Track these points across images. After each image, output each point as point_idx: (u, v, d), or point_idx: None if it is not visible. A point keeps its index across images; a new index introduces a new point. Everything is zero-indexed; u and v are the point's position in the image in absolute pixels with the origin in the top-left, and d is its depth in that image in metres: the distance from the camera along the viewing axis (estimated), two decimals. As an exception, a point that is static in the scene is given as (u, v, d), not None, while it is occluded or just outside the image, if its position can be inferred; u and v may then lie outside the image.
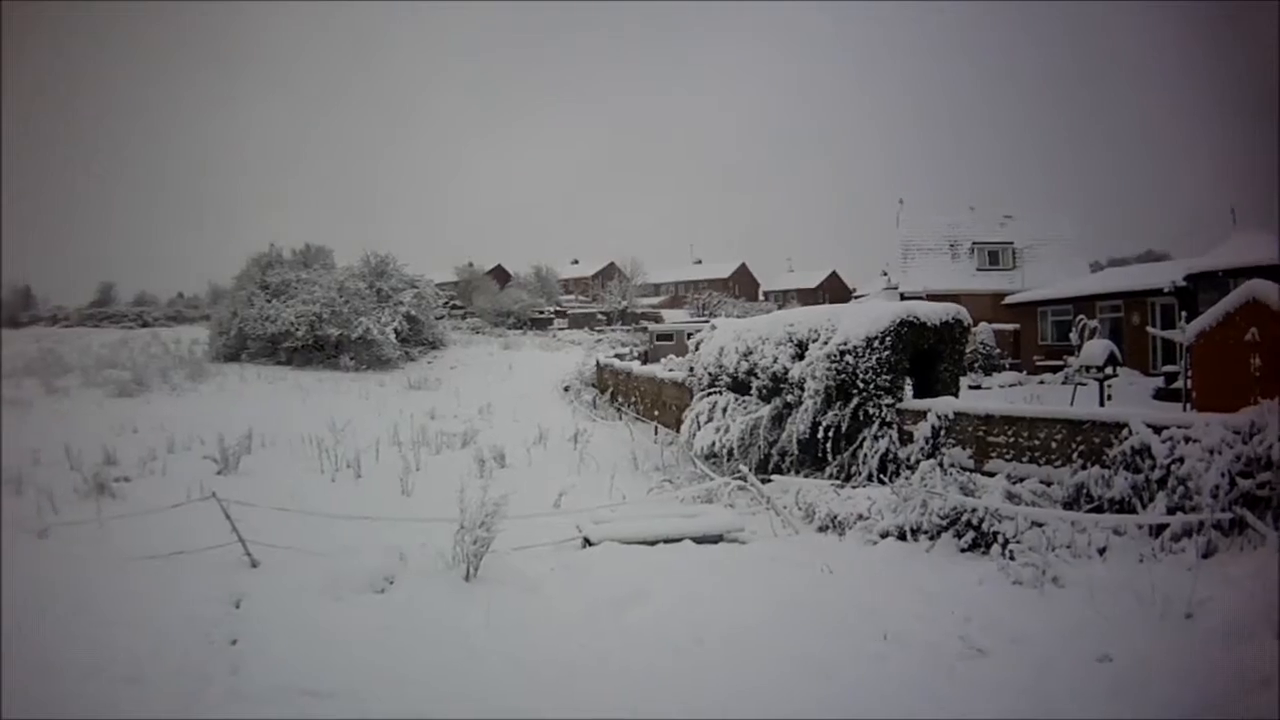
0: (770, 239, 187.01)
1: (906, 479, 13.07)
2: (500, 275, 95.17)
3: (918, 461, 14.17)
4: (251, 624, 8.65)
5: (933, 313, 16.90)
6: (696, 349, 22.03)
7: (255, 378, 37.89)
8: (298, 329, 42.38)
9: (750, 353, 19.04)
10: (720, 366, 20.02)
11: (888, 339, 16.21)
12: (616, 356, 41.00)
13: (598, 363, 39.13)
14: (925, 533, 11.06)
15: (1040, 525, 10.58)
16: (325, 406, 28.95)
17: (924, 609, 8.54)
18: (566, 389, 37.20)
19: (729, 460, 17.93)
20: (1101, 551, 10.03)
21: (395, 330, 44.21)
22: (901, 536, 11.23)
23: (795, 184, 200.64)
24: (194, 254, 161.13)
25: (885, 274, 73.82)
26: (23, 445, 19.99)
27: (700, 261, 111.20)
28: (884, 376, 16.15)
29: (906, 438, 15.70)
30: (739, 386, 19.48)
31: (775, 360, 18.19)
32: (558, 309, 79.55)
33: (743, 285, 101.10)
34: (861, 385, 16.27)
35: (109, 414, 26.62)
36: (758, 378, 18.74)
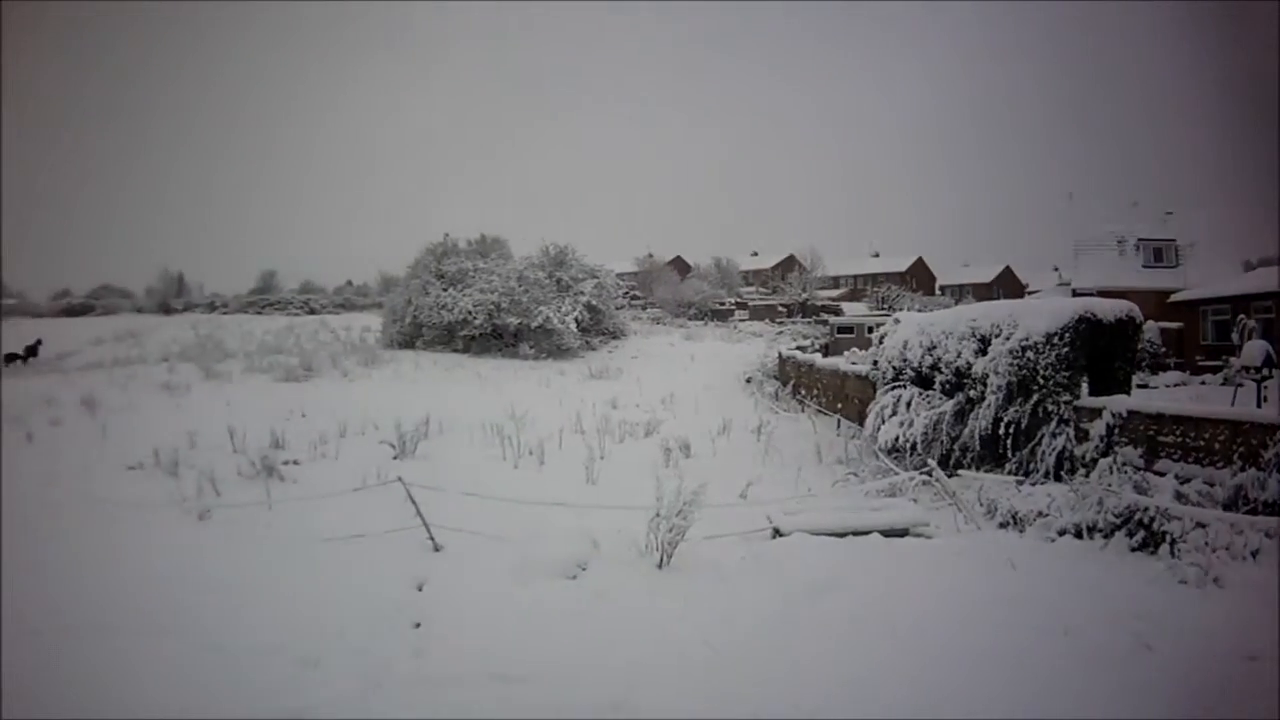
0: (944, 233, 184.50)
1: (1082, 477, 13.40)
2: (680, 266, 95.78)
3: (1092, 460, 14.43)
4: (436, 608, 8.88)
5: (1108, 310, 16.79)
6: (880, 342, 21.93)
7: (430, 365, 38.63)
8: (475, 317, 43.38)
9: (934, 347, 19.04)
10: (904, 360, 19.99)
11: (1066, 335, 16.22)
12: (798, 349, 40.52)
13: (780, 355, 39.07)
14: (1099, 531, 11.14)
15: (1203, 526, 10.65)
16: (504, 394, 29.48)
17: (1099, 605, 8.62)
18: (748, 381, 37.10)
19: (911, 454, 18.00)
20: (1254, 554, 10.08)
21: (576, 320, 44.77)
22: (1078, 534, 11.26)
23: (967, 180, 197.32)
24: (363, 243, 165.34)
25: (1056, 270, 72.89)
26: (179, 428, 20.92)
27: (878, 255, 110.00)
28: (1063, 373, 16.14)
29: (1081, 435, 15.61)
30: (922, 381, 19.47)
31: (959, 355, 18.20)
32: (738, 300, 79.81)
33: (920, 279, 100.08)
34: (1042, 382, 16.27)
35: (275, 399, 27.63)
36: (941, 372, 18.73)
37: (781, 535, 11.85)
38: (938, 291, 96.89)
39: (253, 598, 9.32)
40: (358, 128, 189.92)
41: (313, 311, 74.94)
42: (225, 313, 75.82)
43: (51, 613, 8.94)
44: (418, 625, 8.37)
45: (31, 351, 46.17)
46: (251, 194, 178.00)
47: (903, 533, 12.15)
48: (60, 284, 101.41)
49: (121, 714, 6.65)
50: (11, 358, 44.48)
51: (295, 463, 17.83)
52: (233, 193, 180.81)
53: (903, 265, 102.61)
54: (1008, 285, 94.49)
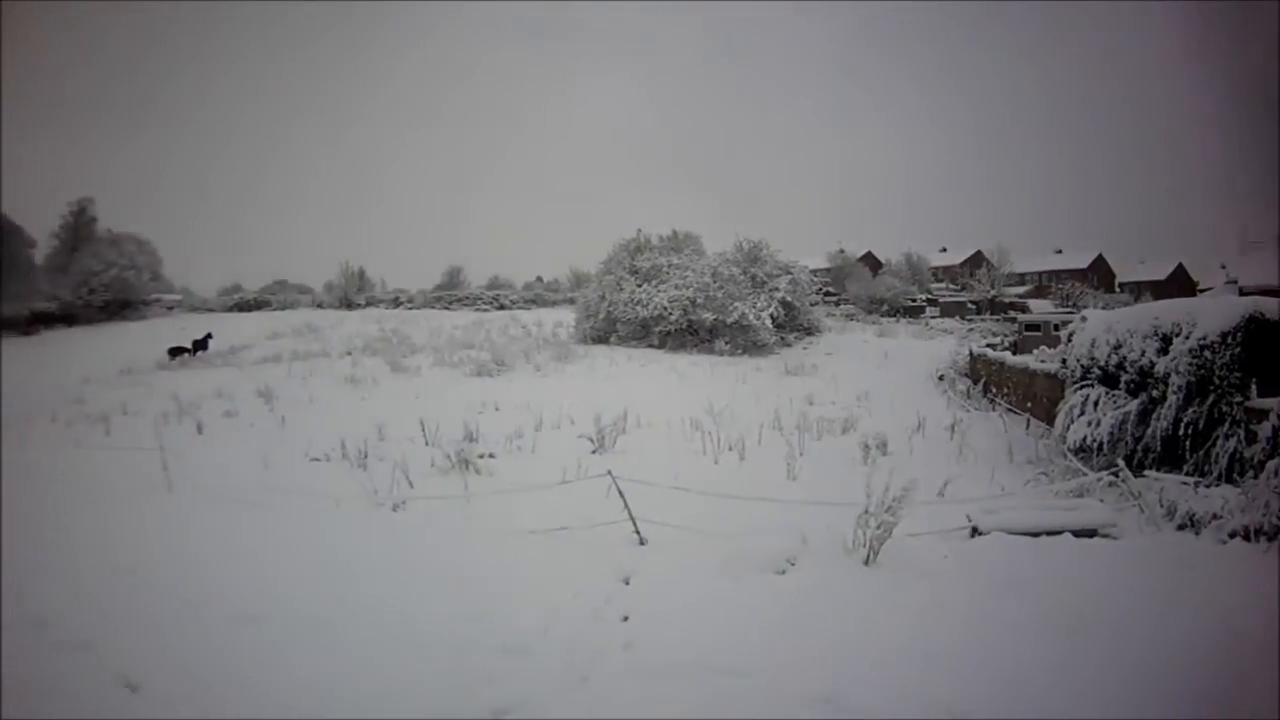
0: (1117, 230, 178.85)
1: (1251, 478, 13.34)
2: (871, 262, 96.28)
3: (1261, 461, 14.05)
4: (644, 601, 8.92)
5: (1274, 308, 16.43)
6: (1068, 341, 21.80)
7: (625, 360, 39.04)
8: (671, 313, 43.89)
9: (1119, 345, 18.81)
10: (1091, 359, 19.78)
11: (1239, 334, 16.04)
12: (989, 346, 40.55)
13: (970, 352, 38.85)
14: (1265, 533, 11.06)
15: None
16: (701, 389, 29.47)
17: (1266, 607, 8.38)
18: (941, 378, 36.94)
19: (1097, 455, 17.88)
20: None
21: (771, 316, 44.84)
22: (1246, 536, 11.17)
23: (1144, 175, 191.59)
24: (552, 239, 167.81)
25: (1224, 267, 71.60)
26: (365, 421, 21.75)
27: (1060, 251, 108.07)
28: (1236, 373, 15.93)
29: (1250, 437, 15.36)
30: (1108, 380, 19.27)
31: (1142, 354, 17.98)
32: (929, 297, 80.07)
33: (1100, 276, 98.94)
34: (1218, 382, 16.11)
35: (467, 393, 28.09)
36: (1126, 371, 18.52)
37: (980, 534, 11.98)
38: (1117, 289, 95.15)
39: (454, 589, 9.54)
40: (543, 123, 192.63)
41: (502, 307, 76.31)
42: (411, 308, 77.89)
43: (237, 603, 9.19)
44: (626, 618, 8.44)
45: (201, 345, 47.93)
46: (436, 190, 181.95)
47: (1091, 533, 12.07)
48: (230, 279, 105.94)
49: (321, 707, 6.90)
50: (177, 351, 46.43)
51: (491, 456, 18.13)
52: (417, 190, 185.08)
53: (1084, 262, 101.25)
54: (1181, 282, 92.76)
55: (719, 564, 9.64)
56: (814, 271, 62.08)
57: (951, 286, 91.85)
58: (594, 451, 18.30)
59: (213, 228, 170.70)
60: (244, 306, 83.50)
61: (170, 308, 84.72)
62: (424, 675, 7.29)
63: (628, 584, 9.57)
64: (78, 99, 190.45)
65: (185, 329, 58.08)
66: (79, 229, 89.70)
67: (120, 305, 78.39)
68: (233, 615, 8.86)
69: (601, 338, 46.14)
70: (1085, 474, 16.05)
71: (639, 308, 44.91)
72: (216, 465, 18.59)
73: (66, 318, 77.06)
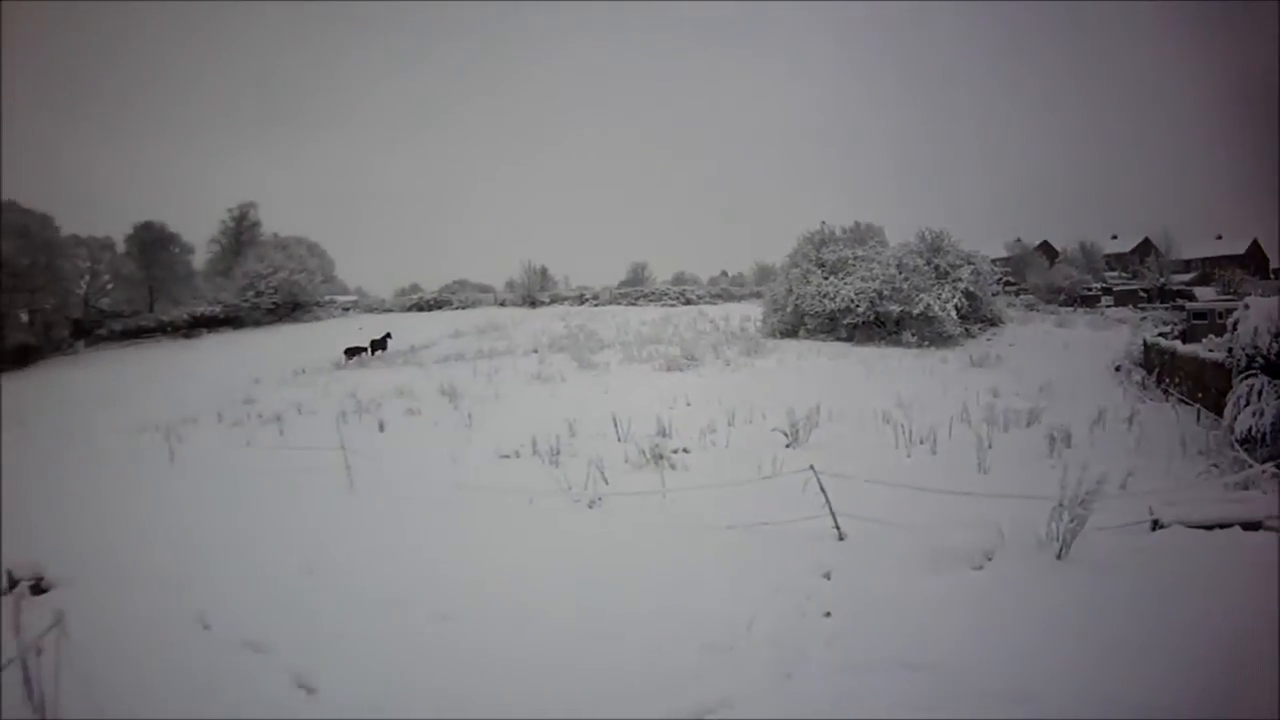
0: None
1: None
2: (1047, 251, 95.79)
3: None
4: (844, 596, 8.98)
5: None
6: (1233, 329, 21.38)
7: (814, 353, 38.86)
8: (858, 305, 44.01)
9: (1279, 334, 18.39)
10: (1255, 348, 19.19)
11: None
12: (1161, 335, 39.45)
13: (1144, 342, 37.76)
14: None
15: None
16: (890, 382, 29.48)
17: None
18: (1117, 369, 36.35)
19: (1261, 446, 17.46)
20: None
21: (955, 307, 44.88)
22: None
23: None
24: (736, 233, 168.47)
25: None
26: (555, 417, 21.84)
27: (1220, 237, 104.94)
28: None
29: None
30: (1271, 369, 18.75)
31: None
32: (1103, 286, 79.50)
33: (1256, 262, 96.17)
34: None
35: (657, 388, 28.20)
36: None
37: (1161, 527, 11.61)
38: (1271, 275, 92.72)
39: (654, 586, 9.68)
40: (726, 122, 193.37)
41: (689, 302, 77.01)
42: (596, 304, 78.76)
43: (427, 602, 9.43)
44: (828, 614, 8.49)
45: (379, 345, 48.93)
46: (619, 187, 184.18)
47: (1256, 525, 11.60)
48: (408, 280, 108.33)
49: (518, 705, 7.01)
50: (354, 351, 47.46)
51: (685, 450, 18.11)
52: (600, 187, 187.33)
53: (1240, 248, 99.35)
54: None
55: (917, 559, 9.82)
56: (993, 261, 60.90)
57: (1124, 275, 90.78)
58: (788, 445, 18.31)
59: (389, 229, 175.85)
60: (423, 306, 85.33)
61: (346, 309, 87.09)
62: (626, 673, 7.45)
63: (828, 579, 9.68)
64: (246, 106, 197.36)
65: (362, 329, 59.84)
66: (240, 233, 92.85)
67: (291, 307, 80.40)
68: (423, 614, 9.20)
69: (790, 331, 46.35)
70: (1251, 465, 15.94)
71: (826, 300, 45.06)
72: (400, 463, 19.04)
73: (231, 320, 79.41)
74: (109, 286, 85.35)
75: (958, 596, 8.64)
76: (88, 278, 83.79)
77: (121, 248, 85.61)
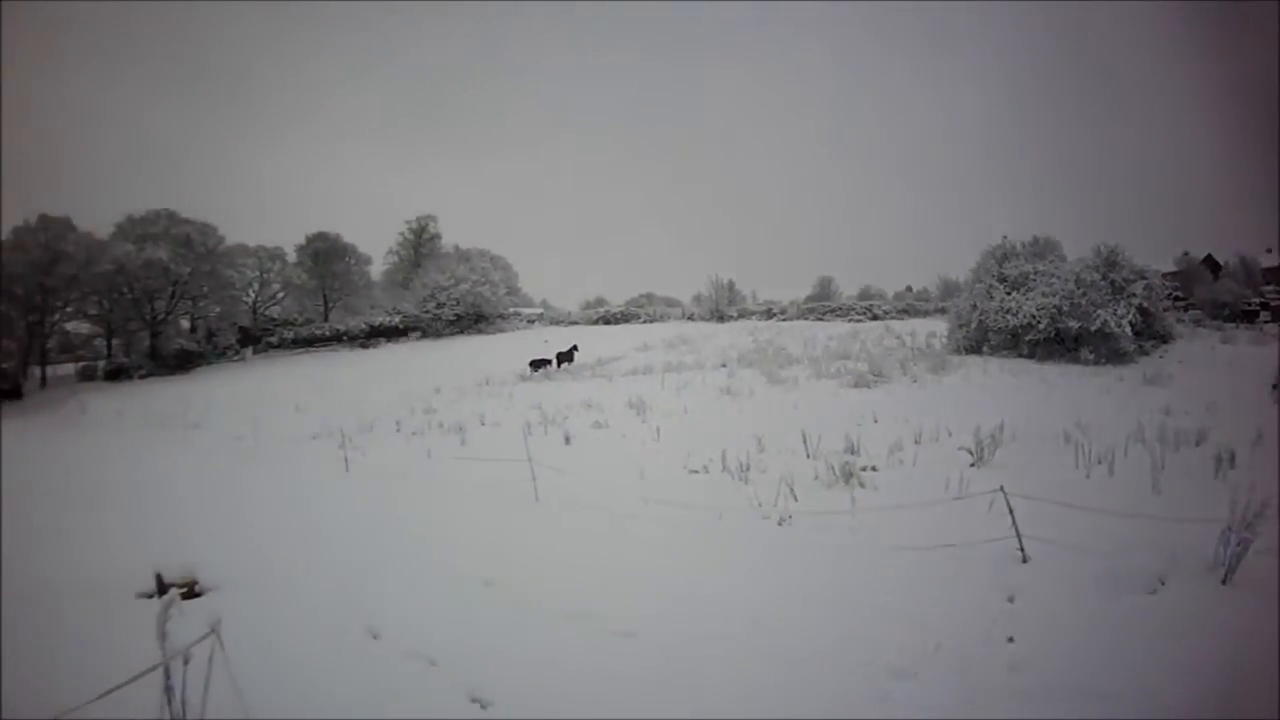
0: None
1: None
2: (1211, 265, 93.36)
3: None
4: (1028, 621, 9.00)
5: None
6: None
7: (998, 370, 38.76)
8: (1039, 321, 43.68)
9: None
10: None
11: None
12: None
13: None
14: None
15: None
16: (1069, 400, 29.36)
17: None
18: (1274, 387, 33.77)
19: None
20: None
21: (1130, 323, 44.06)
22: None
23: None
24: (921, 247, 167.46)
25: None
26: (743, 433, 22.13)
27: None
28: None
29: None
30: None
31: None
32: (1261, 300, 78.33)
33: None
34: None
35: (845, 404, 28.23)
36: None
37: None
38: None
39: (841, 607, 9.72)
40: (910, 132, 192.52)
41: (875, 317, 77.32)
42: (784, 319, 79.60)
43: (611, 618, 9.61)
44: (1011, 639, 8.53)
45: (566, 357, 49.97)
46: (804, 201, 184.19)
47: None
48: (594, 293, 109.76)
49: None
50: (540, 363, 48.51)
51: (873, 469, 18.15)
52: (785, 201, 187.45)
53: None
54: None
55: (1096, 582, 9.88)
56: (1163, 276, 60.74)
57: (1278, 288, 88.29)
58: (973, 465, 18.34)
59: (574, 242, 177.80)
60: (610, 320, 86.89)
61: (531, 321, 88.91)
62: (812, 695, 7.54)
63: (1012, 602, 9.72)
64: (424, 117, 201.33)
65: (548, 342, 61.37)
66: (420, 245, 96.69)
67: (474, 319, 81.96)
68: (603, 630, 9.35)
69: (974, 348, 46.32)
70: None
71: (1009, 316, 44.93)
72: (586, 476, 19.05)
73: (412, 331, 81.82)
74: (279, 295, 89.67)
75: (1135, 622, 8.70)
76: (256, 286, 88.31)
77: (293, 257, 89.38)
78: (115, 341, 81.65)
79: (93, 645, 8.87)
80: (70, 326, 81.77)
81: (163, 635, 6.33)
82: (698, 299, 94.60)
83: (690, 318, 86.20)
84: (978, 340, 46.14)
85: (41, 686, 7.57)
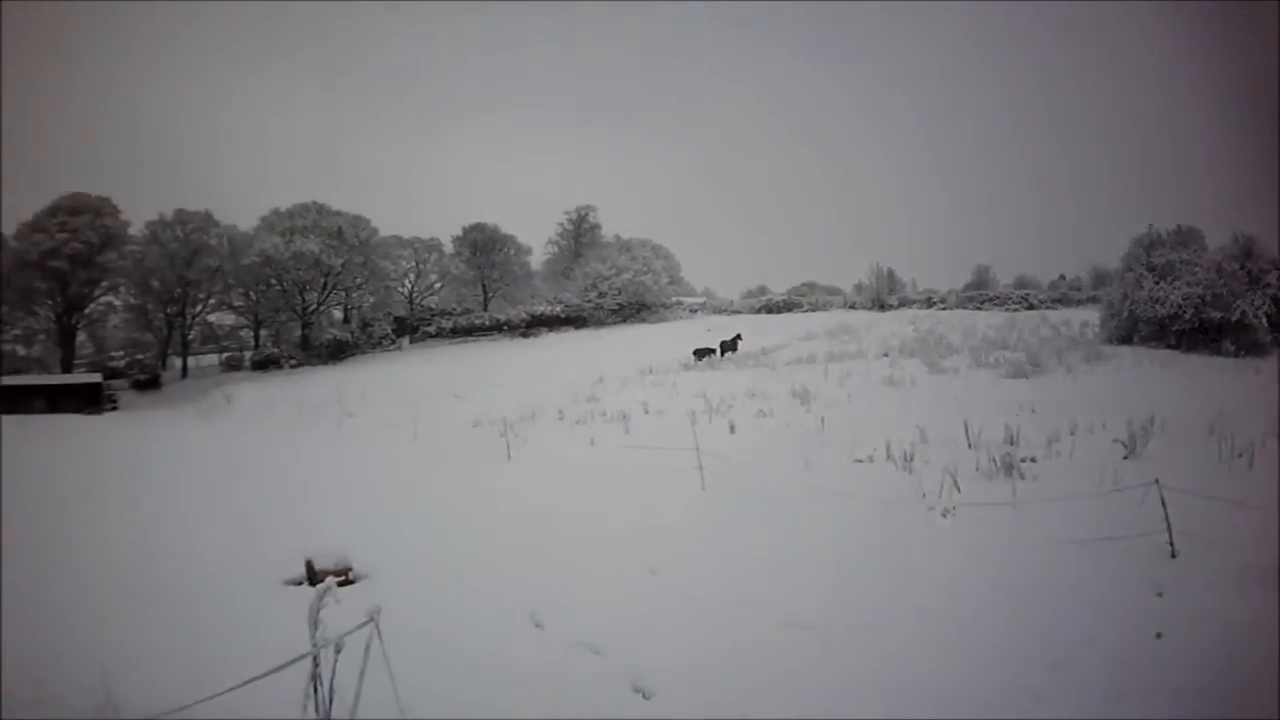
0: None
1: None
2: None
3: None
4: (1175, 616, 8.99)
5: None
6: None
7: (1148, 361, 38.55)
8: (1185, 311, 43.76)
9: None
10: None
11: None
12: None
13: None
14: None
15: None
16: (1212, 391, 29.04)
17: None
18: None
19: None
20: None
21: (1265, 314, 44.38)
22: None
23: None
24: (1071, 236, 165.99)
25: None
26: (906, 423, 22.23)
27: None
28: None
29: None
30: None
31: None
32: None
33: None
34: None
35: (1002, 394, 28.37)
36: None
37: None
38: None
39: (1002, 599, 9.83)
40: (1067, 117, 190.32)
41: (1031, 306, 77.49)
42: (944, 308, 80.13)
43: (779, 607, 9.90)
44: (1159, 635, 8.53)
45: (730, 346, 50.97)
46: (960, 189, 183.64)
47: None
48: (755, 282, 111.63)
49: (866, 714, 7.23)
50: (704, 352, 49.67)
51: (1032, 460, 18.22)
52: (941, 189, 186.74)
53: None
54: None
55: (1240, 576, 9.94)
56: None
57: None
58: (1125, 457, 18.20)
59: (735, 231, 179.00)
60: (772, 309, 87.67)
61: (693, 310, 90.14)
62: (970, 687, 7.59)
63: (1160, 597, 9.74)
64: (590, 109, 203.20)
65: (711, 331, 63.18)
66: (580, 235, 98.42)
67: (636, 308, 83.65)
68: (770, 620, 9.48)
69: (1125, 338, 46.27)
70: None
71: (1157, 306, 44.93)
72: (752, 465, 19.56)
73: (573, 320, 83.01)
74: (437, 285, 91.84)
75: (1275, 617, 8.57)
76: (413, 277, 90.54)
77: (450, 249, 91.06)
78: (264, 332, 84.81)
79: (237, 632, 9.47)
80: (214, 318, 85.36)
81: (314, 623, 6.62)
82: (858, 287, 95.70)
83: (852, 306, 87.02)
84: (1128, 330, 46.18)
85: (182, 673, 7.84)
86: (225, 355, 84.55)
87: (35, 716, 7.26)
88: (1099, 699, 7.32)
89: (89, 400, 65.53)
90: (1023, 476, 16.85)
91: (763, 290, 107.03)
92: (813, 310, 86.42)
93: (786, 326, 67.98)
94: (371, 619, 6.87)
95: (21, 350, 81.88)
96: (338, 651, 6.53)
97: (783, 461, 20.21)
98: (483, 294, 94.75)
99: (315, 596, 6.78)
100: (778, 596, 10.27)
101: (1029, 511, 13.85)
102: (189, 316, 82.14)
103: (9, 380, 66.86)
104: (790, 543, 13.02)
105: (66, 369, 75.70)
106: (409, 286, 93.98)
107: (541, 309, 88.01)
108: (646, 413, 32.47)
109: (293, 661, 6.27)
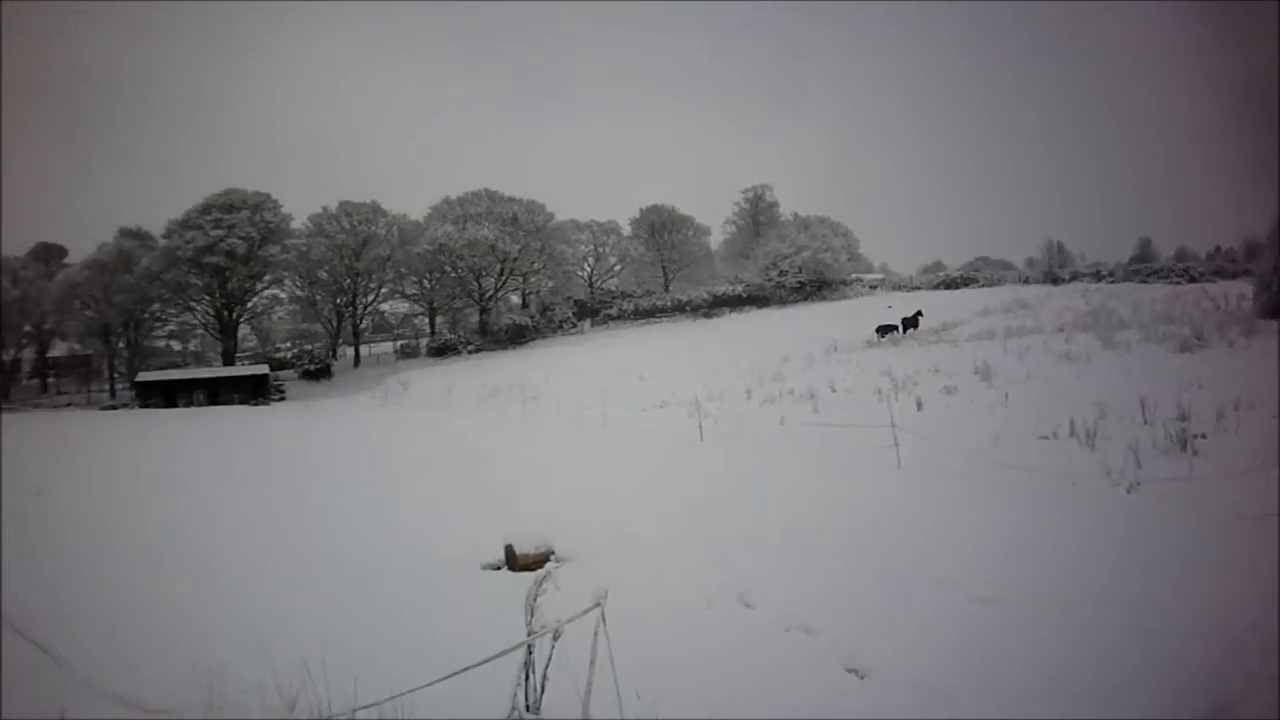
0: None
1: None
2: None
3: None
4: None
5: None
6: None
7: None
8: None
9: None
10: None
11: None
12: None
13: None
14: None
15: None
16: None
17: None
18: None
19: None
20: None
21: None
22: None
23: None
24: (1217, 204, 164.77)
25: None
26: (1083, 398, 22.22)
27: None
28: None
29: None
30: None
31: None
32: None
33: None
34: None
35: (1170, 369, 27.82)
36: None
37: None
38: None
39: (1187, 577, 9.61)
40: (1229, 83, 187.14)
41: (1192, 279, 75.84)
42: (1112, 281, 79.36)
43: (974, 584, 9.93)
44: None
45: (911, 323, 51.95)
46: (1120, 161, 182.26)
47: None
48: (930, 257, 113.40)
49: (1053, 695, 7.20)
50: (886, 329, 50.37)
51: (1203, 436, 18.16)
52: (1099, 161, 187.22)
53: None
54: None
55: None
56: None
57: None
58: None
59: (909, 206, 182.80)
60: (949, 284, 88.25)
61: (873, 286, 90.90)
62: (1155, 666, 7.41)
63: None
64: (757, 93, 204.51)
65: (891, 307, 63.14)
66: (758, 215, 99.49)
67: (817, 285, 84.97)
68: (966, 597, 9.51)
69: (1276, 310, 43.09)
70: None
71: None
72: (941, 442, 19.99)
73: (755, 299, 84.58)
74: (616, 268, 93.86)
75: None
76: (591, 260, 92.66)
77: (628, 231, 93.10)
78: (439, 319, 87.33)
79: (437, 620, 9.81)
80: (386, 307, 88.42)
81: (531, 610, 6.65)
82: (1030, 262, 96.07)
83: (1025, 281, 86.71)
84: (1277, 304, 44.05)
85: (383, 664, 7.89)
86: (400, 343, 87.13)
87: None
88: (1262, 681, 7.01)
89: (255, 391, 69.37)
90: (1196, 453, 17.01)
91: (939, 266, 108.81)
92: (988, 285, 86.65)
93: (963, 302, 68.46)
94: (598, 604, 6.65)
95: (177, 345, 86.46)
96: (555, 639, 6.48)
97: (971, 437, 20.48)
98: (663, 275, 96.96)
99: (533, 583, 7.07)
100: (971, 573, 10.30)
101: (1205, 487, 13.87)
102: (360, 306, 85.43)
103: (174, 375, 71.08)
104: (983, 519, 13.24)
105: (228, 361, 79.95)
106: (588, 270, 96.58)
107: (723, 289, 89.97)
108: (834, 391, 33.22)
109: (511, 650, 6.39)
